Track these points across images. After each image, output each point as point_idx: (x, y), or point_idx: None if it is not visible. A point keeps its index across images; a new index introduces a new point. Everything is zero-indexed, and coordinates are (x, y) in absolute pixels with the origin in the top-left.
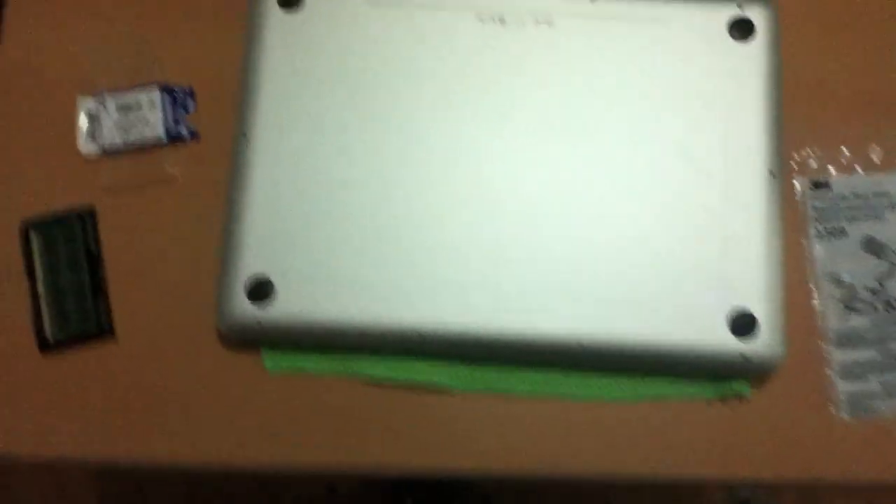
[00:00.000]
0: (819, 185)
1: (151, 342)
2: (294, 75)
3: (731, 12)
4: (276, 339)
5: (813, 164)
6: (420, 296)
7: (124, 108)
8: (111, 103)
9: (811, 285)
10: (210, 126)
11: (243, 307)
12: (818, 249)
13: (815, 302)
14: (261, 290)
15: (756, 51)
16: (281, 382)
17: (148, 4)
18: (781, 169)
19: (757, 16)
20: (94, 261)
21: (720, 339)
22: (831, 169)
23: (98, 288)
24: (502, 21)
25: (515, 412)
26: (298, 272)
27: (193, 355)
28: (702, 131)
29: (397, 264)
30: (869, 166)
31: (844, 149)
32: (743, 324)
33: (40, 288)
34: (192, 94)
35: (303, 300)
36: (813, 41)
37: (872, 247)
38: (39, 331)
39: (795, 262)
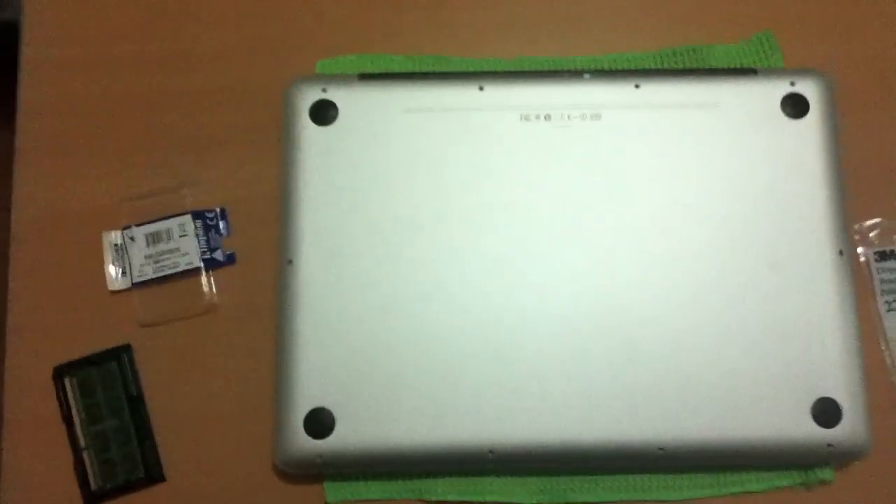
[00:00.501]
0: (885, 255)
1: (204, 482)
2: (335, 191)
3: (784, 89)
4: (339, 470)
5: (876, 234)
6: (489, 412)
7: (154, 239)
8: (139, 235)
9: (887, 360)
10: (247, 247)
11: (303, 442)
12: (890, 322)
13: (892, 376)
14: (320, 425)
15: (812, 127)
16: None
17: (173, 132)
18: (849, 246)
19: (809, 91)
20: (136, 402)
21: (804, 430)
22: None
23: (143, 431)
24: (547, 118)
25: None
26: (358, 401)
27: (249, 492)
28: (764, 217)
29: (462, 382)
30: None
31: None
32: (827, 414)
33: (80, 436)
34: (225, 216)
35: (365, 430)
36: (868, 116)
37: None
38: (83, 482)
39: (868, 337)
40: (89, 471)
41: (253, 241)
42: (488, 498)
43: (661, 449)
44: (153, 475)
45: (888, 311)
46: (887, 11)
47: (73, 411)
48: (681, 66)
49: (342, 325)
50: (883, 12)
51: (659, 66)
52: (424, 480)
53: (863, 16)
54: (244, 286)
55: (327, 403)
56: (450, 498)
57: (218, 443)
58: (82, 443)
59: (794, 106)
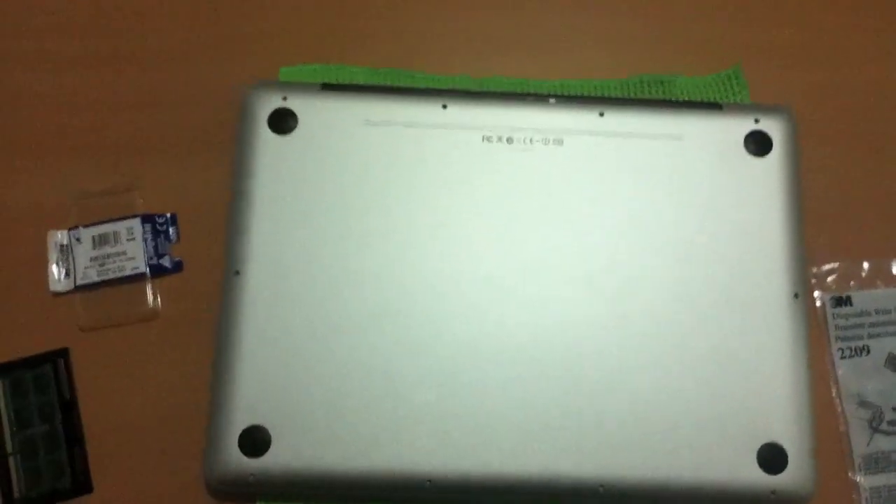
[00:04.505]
0: (841, 301)
1: (133, 496)
2: (289, 203)
3: (748, 126)
4: (273, 492)
5: (834, 279)
6: (430, 440)
7: (101, 241)
8: (86, 236)
9: (837, 408)
10: (195, 255)
11: (236, 460)
12: (842, 369)
13: (842, 425)
14: (255, 443)
15: (774, 165)
16: None
17: (126, 133)
18: (805, 289)
19: (774, 129)
20: (69, 408)
21: (750, 475)
22: (853, 284)
23: (74, 438)
24: (510, 141)
25: None
26: (296, 421)
27: None
28: (722, 254)
29: (404, 408)
30: (890, 280)
31: (865, 263)
32: (773, 459)
33: (8, 440)
34: (175, 221)
35: (301, 451)
36: (832, 154)
37: None
38: (6, 489)
39: (818, 383)
40: (14, 477)
41: (202, 249)
42: None
43: (601, 486)
44: (80, 485)
45: (841, 357)
46: (856, 44)
47: (2, 414)
48: (647, 95)
49: (285, 341)
50: (852, 45)
51: (625, 95)
52: None
53: (831, 48)
54: (189, 295)
55: (264, 421)
56: None
57: (150, 455)
58: (9, 448)
59: (758, 143)
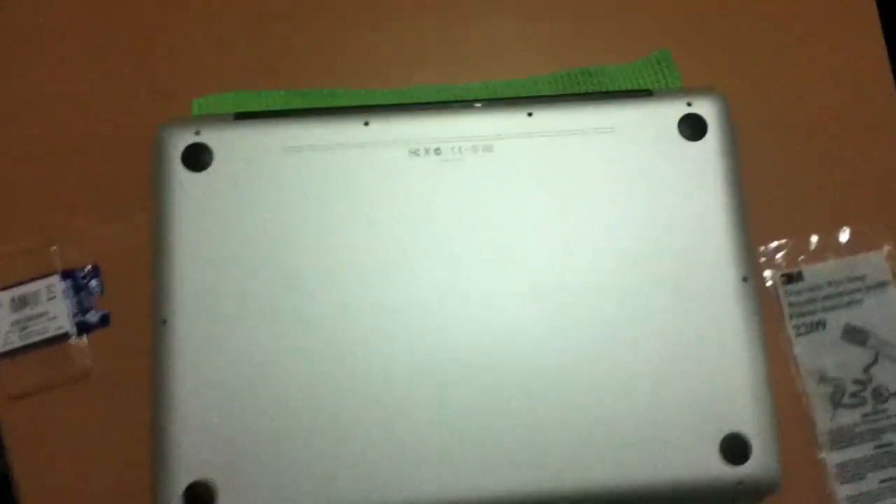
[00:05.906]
0: (791, 277)
1: None
2: (212, 243)
3: (681, 110)
4: None
5: (782, 256)
6: (384, 474)
7: (20, 303)
8: (4, 299)
9: (798, 387)
10: (123, 306)
11: None
12: (799, 346)
13: (803, 404)
14: (200, 499)
15: (710, 148)
16: None
17: (39, 186)
18: (753, 271)
19: (707, 111)
20: (4, 482)
21: (714, 468)
22: (802, 259)
23: None
24: (438, 152)
25: None
26: (241, 472)
27: None
28: (665, 244)
29: (354, 444)
30: (840, 251)
31: (814, 237)
32: (735, 450)
33: None
34: (97, 273)
35: (250, 501)
36: (768, 138)
37: (854, 335)
38: None
39: (777, 363)
40: None
41: (129, 300)
42: None
43: (566, 498)
44: None
45: (797, 335)
46: (782, 32)
47: None
48: (576, 90)
49: (222, 388)
50: (779, 32)
51: (553, 92)
52: None
53: (759, 36)
54: (121, 349)
55: (208, 475)
56: None
57: None
58: None
59: (692, 127)
